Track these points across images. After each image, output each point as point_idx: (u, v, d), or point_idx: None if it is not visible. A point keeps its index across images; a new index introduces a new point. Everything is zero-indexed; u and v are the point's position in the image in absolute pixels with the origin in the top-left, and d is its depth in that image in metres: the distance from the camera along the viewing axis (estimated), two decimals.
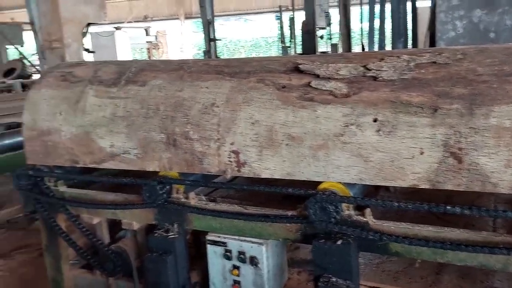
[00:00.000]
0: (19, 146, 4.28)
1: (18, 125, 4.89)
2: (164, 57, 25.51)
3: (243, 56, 32.16)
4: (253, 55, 32.70)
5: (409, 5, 8.16)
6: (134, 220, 2.66)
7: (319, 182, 2.12)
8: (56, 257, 2.97)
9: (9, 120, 5.25)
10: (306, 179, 2.13)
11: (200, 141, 2.41)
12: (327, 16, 15.92)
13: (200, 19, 24.08)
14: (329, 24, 16.45)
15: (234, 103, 2.35)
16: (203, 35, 19.97)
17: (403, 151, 1.90)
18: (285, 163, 2.15)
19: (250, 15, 29.61)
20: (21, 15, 26.65)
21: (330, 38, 17.42)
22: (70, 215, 2.81)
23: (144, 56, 25.98)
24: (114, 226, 3.00)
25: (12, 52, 22.20)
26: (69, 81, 2.79)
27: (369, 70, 2.02)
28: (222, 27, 28.80)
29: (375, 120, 1.94)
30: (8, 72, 18.17)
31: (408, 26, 8.06)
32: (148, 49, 25.29)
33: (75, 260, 3.06)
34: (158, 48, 25.41)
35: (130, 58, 22.17)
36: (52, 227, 2.86)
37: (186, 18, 28.44)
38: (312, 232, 2.12)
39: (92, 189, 2.87)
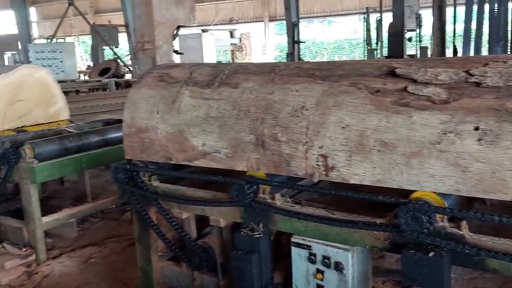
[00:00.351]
0: (114, 142, 4.57)
1: (115, 121, 5.22)
2: (247, 59, 25.95)
3: (325, 58, 31.88)
4: (336, 57, 32.31)
5: (510, 5, 7.63)
6: (221, 217, 2.73)
7: (410, 191, 2.06)
8: (147, 248, 3.13)
9: (106, 117, 5.60)
10: (397, 187, 2.07)
11: (288, 144, 2.44)
12: (418, 18, 15.34)
13: (284, 21, 24.23)
14: (419, 26, 15.85)
15: (324, 106, 2.34)
16: (285, 37, 20.06)
17: (506, 162, 1.79)
18: (375, 169, 2.11)
19: (334, 17, 29.28)
20: (117, 18, 28.42)
21: (420, 41, 16.76)
22: (161, 209, 2.94)
23: (228, 58, 26.60)
24: (200, 222, 3.11)
25: (107, 53, 23.76)
26: (166, 81, 2.93)
27: (472, 75, 1.93)
28: (305, 29, 28.76)
29: (476, 129, 1.84)
30: (104, 71, 19.47)
31: (508, 29, 7.54)
32: (232, 51, 25.85)
33: (163, 252, 3.20)
34: (242, 50, 25.88)
35: (215, 60, 22.81)
36: (144, 219, 3.02)
37: (270, 20, 28.74)
38: (402, 242, 2.06)
39: (180, 185, 3.00)
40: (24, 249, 3.93)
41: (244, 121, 2.57)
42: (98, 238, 4.45)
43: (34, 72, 4.58)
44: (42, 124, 4.74)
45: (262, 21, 28.81)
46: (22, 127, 4.48)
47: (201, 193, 2.81)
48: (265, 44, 29.68)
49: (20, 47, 22.87)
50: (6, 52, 27.07)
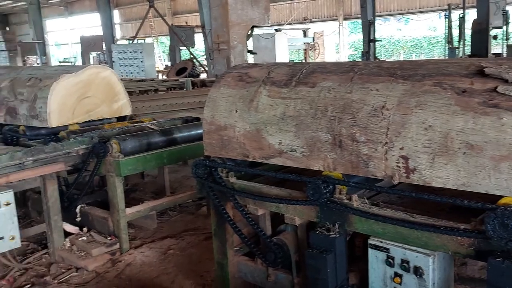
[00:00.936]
0: (192, 139, 4.74)
1: (193, 119, 5.41)
2: (319, 58, 25.76)
3: (401, 57, 30.90)
4: (414, 56, 31.20)
5: None
6: (297, 215, 2.75)
7: (496, 196, 1.97)
8: (223, 242, 3.22)
9: (184, 115, 5.81)
10: (484, 192, 1.98)
11: (366, 144, 2.41)
12: (505, 14, 14.43)
13: (359, 20, 23.78)
14: (506, 23, 14.91)
15: (405, 106, 2.29)
16: (359, 36, 19.67)
17: None
18: (460, 172, 2.04)
19: (412, 14, 28.28)
20: (194, 19, 29.31)
21: (507, 39, 15.76)
22: (237, 204, 3.02)
23: (300, 57, 26.55)
24: (275, 219, 3.16)
25: (184, 53, 24.58)
26: (245, 81, 3.00)
27: None
28: (381, 27, 28.03)
29: None
30: (180, 71, 20.17)
31: None
32: (304, 50, 25.77)
33: (239, 247, 3.28)
34: (315, 49, 25.73)
35: (287, 60, 22.85)
36: (221, 214, 3.11)
37: (345, 19, 28.33)
38: (488, 249, 1.98)
39: (256, 182, 3.05)
40: (109, 238, 4.19)
41: (321, 120, 2.58)
42: (176, 231, 4.64)
43: (100, 72, 5.00)
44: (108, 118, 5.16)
45: (336, 19, 28.45)
46: (88, 121, 4.89)
47: (277, 190, 2.85)
48: (338, 43, 29.29)
49: (104, 47, 24.22)
50: (92, 53, 28.86)
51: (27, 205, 4.99)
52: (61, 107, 4.58)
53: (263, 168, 3.10)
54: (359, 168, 2.47)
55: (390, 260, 2.32)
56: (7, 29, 41.36)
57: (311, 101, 2.64)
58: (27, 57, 31.65)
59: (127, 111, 5.27)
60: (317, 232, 2.55)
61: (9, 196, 3.54)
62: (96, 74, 4.91)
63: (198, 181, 3.20)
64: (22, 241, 3.76)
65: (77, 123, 4.73)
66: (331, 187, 2.54)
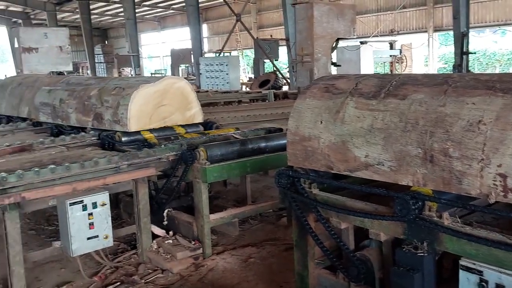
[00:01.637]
0: (275, 149, 4.78)
1: (276, 130, 5.47)
2: (407, 71, 24.93)
3: (497, 70, 29.07)
4: (511, 70, 29.19)
5: None
6: (382, 231, 2.68)
7: None
8: (304, 254, 3.21)
9: (267, 125, 5.89)
10: None
11: (460, 160, 2.30)
12: None
13: (450, 32, 22.75)
14: None
15: (505, 121, 2.17)
16: (450, 49, 18.77)
17: None
18: None
19: (509, 26, 26.54)
20: (279, 32, 29.70)
21: None
22: (320, 216, 3.00)
23: (386, 70, 25.87)
24: (358, 233, 3.10)
25: (267, 65, 24.96)
26: (331, 92, 3.00)
27: None
28: (475, 39, 26.59)
29: None
30: (263, 83, 20.50)
31: None
32: (391, 63, 25.08)
33: (320, 259, 3.25)
34: (402, 62, 24.96)
35: (372, 72, 22.38)
36: (303, 225, 3.11)
37: (435, 30, 27.22)
38: None
39: (339, 195, 3.02)
40: (193, 243, 4.33)
41: (411, 134, 2.50)
42: (257, 240, 4.69)
43: (175, 82, 5.42)
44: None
45: (425, 31, 27.42)
46: (164, 127, 5.25)
47: (362, 204, 2.80)
48: (427, 55, 28.19)
49: (192, 60, 25.26)
50: (181, 65, 30.21)
51: (119, 207, 5.31)
52: (139, 113, 5.02)
53: (347, 181, 3.06)
54: (451, 185, 2.36)
55: (483, 283, 2.19)
56: (106, 42, 44.60)
57: (401, 113, 2.57)
58: (123, 69, 33.85)
59: (199, 118, 5.61)
60: (404, 250, 2.47)
61: (105, 197, 3.80)
62: (171, 84, 5.31)
63: (281, 191, 3.23)
64: (113, 241, 3.99)
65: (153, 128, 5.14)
66: (420, 203, 2.45)
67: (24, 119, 6.93)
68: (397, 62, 24.58)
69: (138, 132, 5.10)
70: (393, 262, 2.61)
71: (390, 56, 24.67)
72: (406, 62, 25.08)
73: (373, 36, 26.83)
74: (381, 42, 25.42)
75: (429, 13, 26.96)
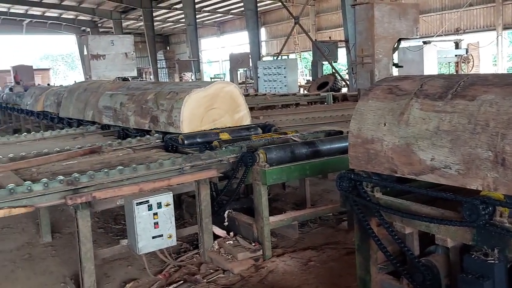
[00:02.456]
0: (335, 152, 4.74)
1: (336, 132, 5.42)
2: (473, 71, 23.85)
3: None
4: None
5: None
6: (449, 236, 2.59)
7: None
8: (366, 258, 3.15)
9: (326, 128, 5.85)
10: None
11: None
12: None
13: None
14: None
15: None
16: None
17: None
18: None
19: None
20: (337, 34, 29.40)
21: None
22: (383, 221, 2.94)
23: (451, 70, 24.89)
24: (423, 238, 3.01)
25: (326, 67, 24.76)
26: (395, 94, 2.93)
27: None
28: None
29: None
30: (322, 85, 20.34)
31: None
32: (456, 63, 24.11)
33: (382, 264, 3.18)
34: (468, 62, 23.91)
35: (436, 73, 21.60)
36: (366, 229, 3.05)
37: (505, 28, 25.86)
38: None
39: (403, 199, 2.94)
40: (253, 244, 4.37)
41: (481, 136, 2.40)
42: (316, 243, 4.67)
43: (225, 87, 5.76)
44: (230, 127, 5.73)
45: (494, 29, 26.13)
46: (213, 129, 5.55)
47: (427, 209, 2.71)
48: (496, 54, 26.84)
49: (250, 64, 25.53)
50: (239, 69, 30.62)
51: (182, 207, 5.47)
52: (191, 116, 5.39)
53: (411, 184, 2.98)
54: None
55: None
56: (168, 48, 46.03)
57: (470, 115, 2.48)
58: (183, 74, 34.78)
59: (247, 121, 5.94)
60: (473, 256, 2.38)
61: (169, 197, 3.93)
62: (221, 88, 5.66)
63: (342, 194, 3.19)
64: (176, 240, 4.10)
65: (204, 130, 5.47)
66: (490, 208, 2.35)
67: (90, 122, 7.36)
68: (463, 62, 23.58)
69: (197, 135, 5.28)
70: (461, 269, 2.51)
71: (456, 56, 23.72)
72: (473, 62, 24.00)
73: (437, 36, 25.91)
74: (445, 41, 24.50)
75: (498, 10, 25.67)
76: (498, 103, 2.41)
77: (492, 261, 2.31)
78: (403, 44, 14.98)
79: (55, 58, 62.79)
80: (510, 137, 2.30)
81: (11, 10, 37.10)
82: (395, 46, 11.70)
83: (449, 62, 24.26)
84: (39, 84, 25.51)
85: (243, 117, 5.86)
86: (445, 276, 2.71)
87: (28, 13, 38.18)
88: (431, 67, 20.93)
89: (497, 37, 26.01)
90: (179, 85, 6.37)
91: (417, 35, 11.67)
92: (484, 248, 2.39)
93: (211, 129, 5.54)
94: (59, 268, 4.49)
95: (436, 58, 21.87)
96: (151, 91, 6.14)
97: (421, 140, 2.68)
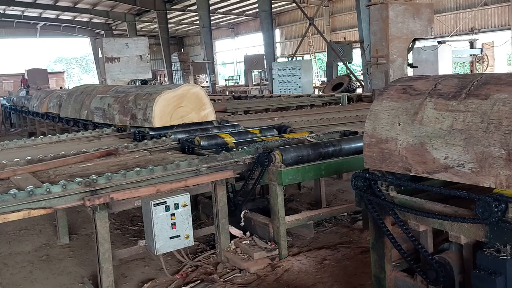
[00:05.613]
0: (350, 152, 4.77)
1: (351, 133, 5.46)
2: (488, 71, 23.61)
3: None
4: None
5: None
6: (462, 234, 2.62)
7: None
8: (381, 256, 3.19)
9: (341, 129, 5.88)
10: None
11: None
12: None
13: None
14: None
15: None
16: None
17: None
18: None
19: None
20: (352, 34, 29.31)
21: None
22: (397, 219, 2.98)
23: (466, 70, 24.65)
24: (436, 236, 3.04)
25: (341, 68, 24.70)
26: (409, 93, 2.97)
27: None
28: None
29: None
30: (336, 86, 20.30)
31: None
32: (471, 62, 23.88)
33: (397, 262, 3.22)
34: (483, 62, 23.67)
35: (451, 73, 21.41)
36: (380, 227, 3.09)
37: None
38: None
39: (417, 198, 2.97)
40: (269, 244, 4.43)
41: (494, 135, 2.44)
42: (331, 242, 4.71)
43: (191, 88, 6.81)
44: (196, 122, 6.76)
45: (509, 29, 25.82)
46: (181, 124, 6.55)
47: (441, 207, 2.75)
48: (510, 54, 26.52)
49: (265, 65, 25.56)
50: (254, 71, 30.69)
51: (198, 208, 5.54)
52: (162, 113, 6.42)
53: (425, 183, 3.02)
54: None
55: None
56: (182, 50, 46.32)
57: (483, 114, 2.51)
58: (198, 76, 34.97)
59: (212, 117, 6.95)
60: (486, 253, 2.40)
61: (186, 198, 3.99)
62: (188, 90, 6.72)
63: (357, 193, 3.23)
64: (193, 241, 4.15)
65: (174, 125, 6.49)
66: (503, 205, 2.38)
67: (84, 121, 8.54)
68: (478, 62, 23.35)
69: (218, 136, 5.44)
70: (474, 266, 2.54)
71: (470, 55, 23.49)
72: (488, 61, 23.75)
73: (451, 35, 25.69)
74: (460, 41, 24.29)
75: None
76: (511, 102, 2.43)
77: (505, 257, 2.33)
78: (418, 44, 14.88)
79: (69, 61, 63.51)
80: None
81: (25, 14, 37.58)
82: (410, 46, 11.66)
83: (463, 62, 24.05)
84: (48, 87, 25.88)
85: (208, 114, 6.88)
86: (459, 272, 2.74)
87: (42, 16, 38.64)
88: (446, 67, 20.76)
89: None
90: (155, 88, 7.54)
91: (431, 35, 11.61)
92: (496, 244, 2.42)
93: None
94: (77, 268, 4.58)
95: (450, 58, 21.69)
96: (132, 94, 7.17)
97: (435, 139, 2.72)
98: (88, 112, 8.33)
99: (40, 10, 36.45)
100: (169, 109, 6.47)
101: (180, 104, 6.58)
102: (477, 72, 22.61)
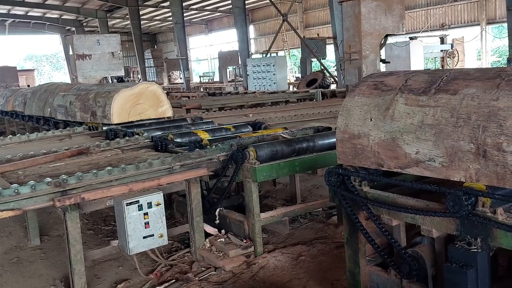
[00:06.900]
0: (324, 148, 4.79)
1: (324, 129, 5.48)
2: (459, 66, 24.10)
3: None
4: None
5: None
6: (434, 227, 2.66)
7: None
8: (355, 251, 3.22)
9: (315, 125, 5.90)
10: None
11: None
12: None
13: (504, 24, 21.81)
14: None
15: None
16: (505, 41, 18.01)
17: None
18: None
19: None
20: (325, 31, 29.51)
21: None
22: (371, 214, 3.00)
23: (437, 65, 25.13)
24: (409, 230, 3.08)
25: (315, 64, 24.84)
26: (380, 89, 2.99)
27: None
28: None
29: None
30: (311, 82, 20.41)
31: None
32: (442, 58, 24.35)
33: (371, 257, 3.25)
34: (453, 57, 24.16)
35: (422, 68, 21.77)
36: (354, 222, 3.11)
37: (488, 23, 26.17)
38: None
39: (390, 193, 3.00)
40: (244, 241, 4.41)
41: (463, 129, 2.47)
42: (307, 238, 4.73)
43: (149, 86, 7.15)
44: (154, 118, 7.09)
45: (478, 24, 26.43)
46: (139, 120, 6.88)
47: (413, 201, 2.78)
48: (480, 49, 27.15)
49: (240, 62, 25.52)
50: (228, 67, 30.60)
51: (172, 206, 5.49)
52: (120, 110, 6.72)
53: (397, 178, 3.05)
54: (505, 180, 2.32)
55: None
56: (155, 47, 45.81)
57: (452, 108, 2.55)
58: (172, 72, 34.65)
59: (169, 114, 7.24)
60: (457, 246, 2.45)
61: (159, 197, 3.93)
62: (146, 88, 7.08)
63: (331, 189, 3.25)
64: (168, 240, 4.10)
65: (131, 121, 6.77)
66: (473, 199, 2.42)
67: (48, 118, 8.77)
68: (448, 57, 23.82)
69: (192, 133, 5.35)
70: (446, 259, 2.58)
71: (441, 51, 23.95)
72: (458, 56, 24.26)
73: (423, 31, 26.14)
74: (431, 37, 24.73)
75: (482, 5, 25.97)
76: (479, 97, 2.47)
77: (475, 250, 2.38)
78: (390, 40, 15.08)
79: (39, 58, 62.06)
80: (491, 130, 2.36)
81: None
82: (382, 42, 11.79)
83: (435, 57, 24.51)
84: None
85: (166, 110, 7.20)
86: (431, 265, 2.78)
87: (10, 12, 37.66)
88: (417, 63, 21.13)
89: (481, 32, 26.30)
90: (114, 86, 7.77)
91: (403, 31, 11.76)
92: (467, 237, 2.46)
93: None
94: (49, 270, 4.48)
95: (422, 54, 22.09)
96: (93, 92, 7.42)
97: (406, 134, 2.74)
98: (52, 110, 8.57)
99: (9, 7, 35.50)
100: (127, 107, 6.79)
101: (138, 101, 6.89)
102: (448, 67, 23.07)
